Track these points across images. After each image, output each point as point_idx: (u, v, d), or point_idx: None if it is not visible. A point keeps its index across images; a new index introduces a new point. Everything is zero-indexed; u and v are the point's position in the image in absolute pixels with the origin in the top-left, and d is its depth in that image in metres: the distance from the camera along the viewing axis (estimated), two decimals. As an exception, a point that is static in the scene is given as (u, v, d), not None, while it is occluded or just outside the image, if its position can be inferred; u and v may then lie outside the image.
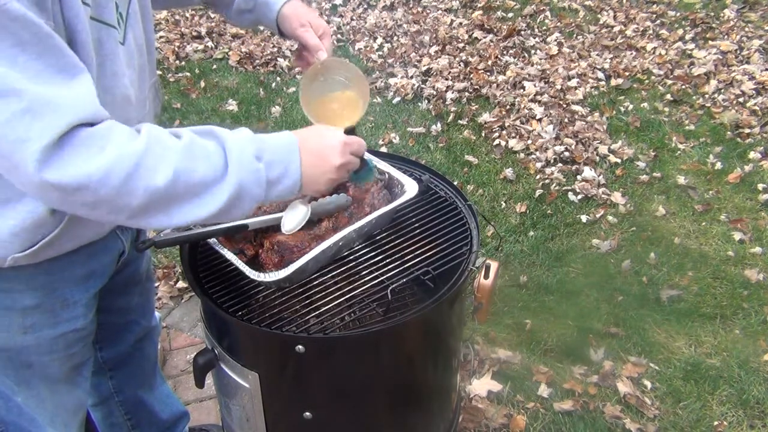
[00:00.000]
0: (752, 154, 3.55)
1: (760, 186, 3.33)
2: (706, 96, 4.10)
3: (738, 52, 4.54)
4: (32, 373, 1.28)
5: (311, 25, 1.39)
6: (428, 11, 5.34)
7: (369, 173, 1.33)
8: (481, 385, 2.26)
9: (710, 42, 4.68)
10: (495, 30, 4.93)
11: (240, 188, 0.97)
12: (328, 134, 1.13)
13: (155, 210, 0.92)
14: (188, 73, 4.56)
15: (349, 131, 1.17)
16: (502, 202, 3.25)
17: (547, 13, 5.16)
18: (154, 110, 1.32)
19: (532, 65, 4.42)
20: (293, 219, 1.23)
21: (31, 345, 1.23)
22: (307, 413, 1.37)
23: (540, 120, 3.81)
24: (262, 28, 5.38)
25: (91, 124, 0.88)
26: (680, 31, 4.84)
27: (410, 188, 1.45)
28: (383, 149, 3.63)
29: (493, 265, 1.54)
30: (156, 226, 0.95)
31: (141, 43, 1.17)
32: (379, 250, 1.47)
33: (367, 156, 1.30)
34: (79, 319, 1.27)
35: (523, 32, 4.89)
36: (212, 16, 5.35)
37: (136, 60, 1.15)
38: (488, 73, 4.36)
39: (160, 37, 4.99)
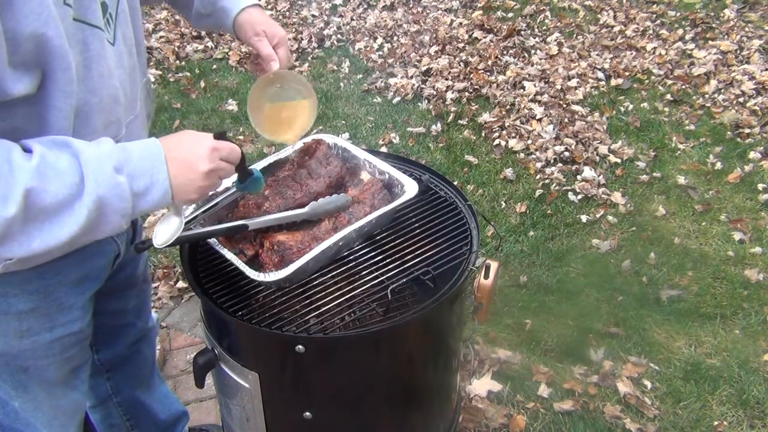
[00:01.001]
0: (752, 154, 3.55)
1: (760, 186, 3.33)
2: (706, 96, 4.10)
3: (738, 52, 4.54)
4: (28, 378, 1.27)
5: (266, 33, 1.37)
6: (428, 11, 5.34)
7: (256, 184, 1.28)
8: (481, 385, 2.26)
9: (710, 42, 4.68)
10: (495, 30, 4.93)
11: (100, 203, 0.93)
12: (194, 140, 1.07)
13: (12, 238, 0.89)
14: (188, 73, 4.56)
15: (220, 136, 1.10)
16: (502, 202, 3.25)
17: (547, 13, 5.16)
18: (147, 110, 1.31)
19: (532, 65, 4.42)
20: (165, 231, 1.12)
21: (27, 349, 1.22)
22: (307, 413, 1.37)
23: (540, 120, 3.81)
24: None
25: None
26: (680, 31, 4.84)
27: (410, 188, 1.45)
28: (383, 149, 3.63)
29: (493, 265, 1.54)
30: (18, 254, 0.91)
31: (131, 44, 1.17)
32: (379, 250, 1.47)
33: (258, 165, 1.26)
34: (76, 323, 1.27)
35: (523, 32, 4.89)
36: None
37: (126, 60, 1.14)
38: (488, 73, 4.36)
39: (160, 37, 4.99)
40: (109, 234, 0.99)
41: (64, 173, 0.90)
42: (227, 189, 1.43)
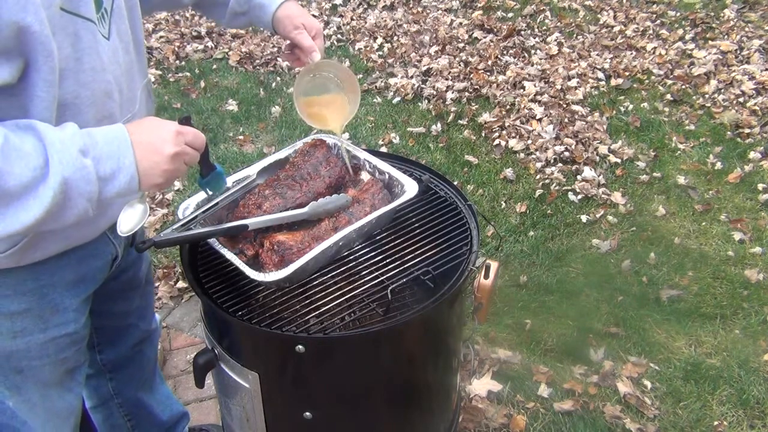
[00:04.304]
0: (752, 154, 3.55)
1: (760, 186, 3.33)
2: (706, 96, 4.10)
3: (738, 52, 4.54)
4: (23, 379, 1.27)
5: (305, 26, 1.41)
6: (428, 11, 5.34)
7: (218, 180, 1.27)
8: (481, 385, 2.26)
9: (710, 42, 4.68)
10: (495, 30, 4.93)
11: (66, 186, 0.91)
12: (158, 124, 1.06)
13: None
14: (188, 73, 4.56)
15: (184, 121, 1.09)
16: (502, 202, 3.25)
17: (547, 13, 5.16)
18: (147, 111, 1.30)
19: (532, 65, 4.42)
20: (131, 219, 1.09)
21: (20, 350, 1.22)
22: (307, 413, 1.37)
23: (540, 120, 3.81)
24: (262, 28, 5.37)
25: None
26: (680, 31, 4.84)
27: (410, 188, 1.45)
28: (383, 149, 3.63)
29: (493, 265, 1.54)
30: None
31: (128, 41, 1.16)
32: (379, 250, 1.47)
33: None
34: (70, 324, 1.27)
35: (523, 32, 4.89)
36: (212, 16, 5.35)
37: (122, 57, 1.13)
38: (488, 73, 4.36)
39: (160, 37, 4.99)
40: (75, 220, 0.97)
41: (28, 155, 0.89)
42: (227, 189, 1.43)
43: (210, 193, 1.33)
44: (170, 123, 1.07)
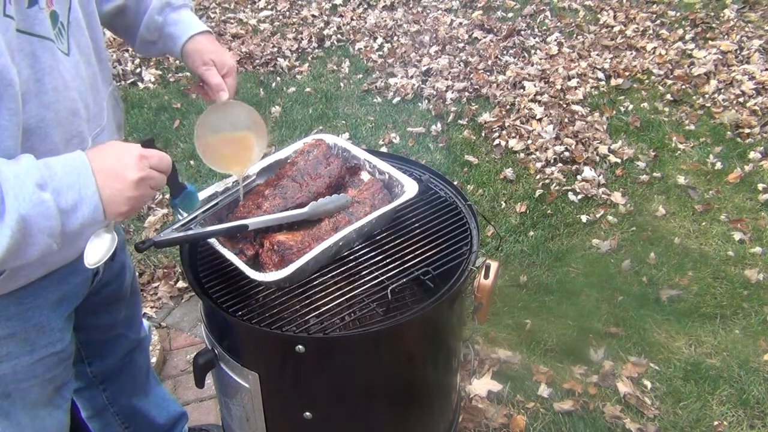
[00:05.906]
0: (752, 154, 3.55)
1: (760, 186, 3.33)
2: (706, 96, 4.09)
3: (738, 52, 4.54)
4: (11, 403, 1.26)
5: (215, 63, 1.32)
6: (428, 11, 5.34)
7: (191, 199, 1.24)
8: (481, 385, 2.26)
9: (710, 42, 4.68)
10: (495, 30, 4.93)
11: (24, 223, 0.86)
12: (120, 149, 1.00)
13: None
14: (188, 73, 4.56)
15: (148, 144, 1.04)
16: (502, 202, 3.25)
17: (547, 13, 5.16)
18: (116, 121, 1.27)
19: (532, 65, 4.41)
20: (98, 250, 1.03)
21: (7, 374, 1.21)
22: (307, 413, 1.37)
23: (540, 120, 3.81)
24: (262, 28, 5.35)
25: None
26: (680, 31, 4.84)
27: (410, 188, 1.46)
28: (383, 149, 3.63)
29: (493, 265, 1.54)
30: None
31: (88, 53, 1.12)
32: (379, 250, 1.47)
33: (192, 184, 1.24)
34: (57, 343, 1.26)
35: (523, 32, 4.89)
36: (211, 15, 5.35)
37: (84, 71, 1.09)
38: (488, 73, 4.36)
39: (160, 37, 4.98)
40: (38, 256, 0.92)
41: None
42: (227, 189, 1.44)
43: (183, 213, 1.29)
44: (133, 146, 1.01)
